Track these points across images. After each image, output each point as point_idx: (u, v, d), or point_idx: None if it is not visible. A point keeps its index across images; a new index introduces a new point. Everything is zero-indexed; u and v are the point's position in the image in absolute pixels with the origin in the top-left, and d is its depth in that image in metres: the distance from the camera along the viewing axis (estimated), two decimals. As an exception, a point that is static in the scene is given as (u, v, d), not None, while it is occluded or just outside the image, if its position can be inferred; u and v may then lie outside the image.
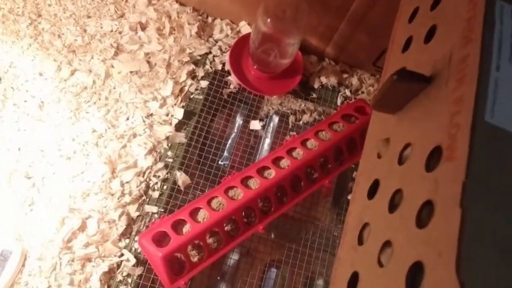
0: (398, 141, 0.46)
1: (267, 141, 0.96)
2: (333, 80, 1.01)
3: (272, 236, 0.87)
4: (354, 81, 1.02)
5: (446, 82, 0.40)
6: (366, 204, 0.47)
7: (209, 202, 0.78)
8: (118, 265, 0.78)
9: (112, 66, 0.95)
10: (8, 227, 0.80)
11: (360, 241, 0.45)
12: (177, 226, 0.76)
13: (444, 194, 0.33)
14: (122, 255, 0.79)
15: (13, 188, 0.83)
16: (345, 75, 1.03)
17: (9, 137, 0.88)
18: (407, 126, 0.46)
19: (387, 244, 0.39)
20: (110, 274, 0.78)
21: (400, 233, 0.37)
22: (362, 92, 1.02)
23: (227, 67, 0.97)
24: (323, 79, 1.01)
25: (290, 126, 0.97)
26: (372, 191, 0.47)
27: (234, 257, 0.84)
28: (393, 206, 0.41)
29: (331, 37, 0.98)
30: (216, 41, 1.01)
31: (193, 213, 0.77)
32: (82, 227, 0.80)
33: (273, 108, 0.98)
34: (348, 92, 1.01)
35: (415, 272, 0.33)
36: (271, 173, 0.82)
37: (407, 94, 0.46)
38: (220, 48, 1.00)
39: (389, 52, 0.61)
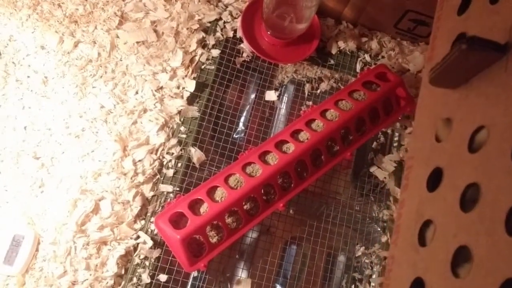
0: (466, 122, 0.40)
1: (283, 111, 0.92)
2: (351, 45, 0.95)
3: (291, 212, 0.84)
4: (374, 45, 0.96)
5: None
6: (426, 196, 0.41)
7: (226, 180, 0.74)
8: (135, 247, 0.76)
9: (117, 37, 0.90)
10: (19, 211, 0.77)
11: (422, 241, 0.40)
12: (194, 206, 0.73)
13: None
14: (138, 237, 0.76)
15: (22, 169, 0.80)
16: (364, 39, 0.97)
17: (14, 115, 0.83)
18: (477, 104, 0.40)
19: (462, 250, 0.34)
20: (127, 257, 0.76)
21: (482, 239, 0.32)
22: (383, 57, 0.96)
23: (239, 34, 0.91)
24: (341, 44, 0.95)
25: (306, 96, 0.92)
26: (433, 182, 0.41)
27: (253, 235, 0.82)
28: (466, 203, 0.35)
29: (348, -2, 0.91)
30: (227, 6, 0.95)
31: (210, 192, 0.73)
32: (96, 209, 0.77)
33: (287, 77, 0.92)
34: (367, 57, 0.95)
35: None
36: (290, 147, 0.77)
37: (476, 66, 0.40)
38: (231, 14, 0.93)
39: (439, 14, 0.53)
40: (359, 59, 0.95)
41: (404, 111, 0.86)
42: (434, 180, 0.41)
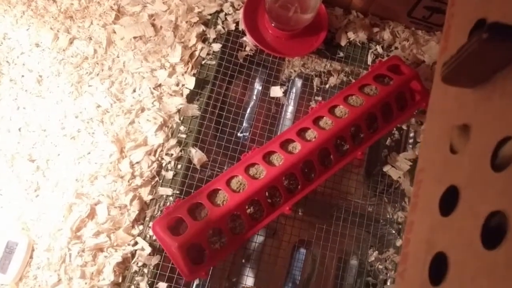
0: (488, 131, 0.33)
1: (290, 108, 0.87)
2: (362, 36, 0.89)
3: (300, 213, 0.79)
4: (386, 35, 0.90)
5: None
6: (438, 221, 0.34)
7: (228, 183, 0.69)
8: (133, 254, 0.72)
9: (114, 32, 0.86)
10: (13, 216, 0.74)
11: (435, 280, 0.32)
12: (194, 210, 0.68)
13: None
14: (136, 243, 0.72)
15: (16, 172, 0.77)
16: (375, 29, 0.91)
17: (8, 116, 0.80)
18: (501, 108, 0.33)
19: None
20: (124, 264, 0.72)
21: (510, 285, 0.25)
22: (396, 48, 0.90)
23: (241, 26, 0.86)
24: (351, 35, 0.89)
25: (315, 91, 0.87)
26: (448, 204, 0.34)
27: (259, 239, 0.77)
28: (490, 235, 0.28)
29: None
30: (228, -3, 0.90)
31: (211, 196, 0.69)
32: (91, 214, 0.73)
33: (295, 71, 0.87)
34: (379, 49, 0.89)
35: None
36: (296, 147, 0.72)
37: (500, 60, 0.33)
38: (232, 5, 0.88)
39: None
40: (370, 50, 0.89)
41: (420, 106, 0.81)
42: (450, 202, 0.34)
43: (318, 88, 0.87)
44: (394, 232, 0.81)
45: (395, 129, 0.85)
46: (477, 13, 0.39)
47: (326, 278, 0.77)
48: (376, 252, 0.79)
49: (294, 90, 0.88)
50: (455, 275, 0.31)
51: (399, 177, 0.82)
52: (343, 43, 0.89)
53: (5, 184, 0.76)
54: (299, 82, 0.88)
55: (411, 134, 0.86)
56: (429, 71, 0.88)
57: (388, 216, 0.81)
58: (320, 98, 0.86)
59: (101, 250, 0.72)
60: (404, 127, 0.86)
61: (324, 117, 0.75)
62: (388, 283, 0.77)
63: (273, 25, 0.84)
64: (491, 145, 0.31)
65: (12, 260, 0.70)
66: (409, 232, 0.38)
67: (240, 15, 0.86)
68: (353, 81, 0.86)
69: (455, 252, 0.31)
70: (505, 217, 0.27)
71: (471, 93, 0.37)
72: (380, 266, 0.78)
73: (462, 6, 0.44)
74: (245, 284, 0.74)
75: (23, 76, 0.83)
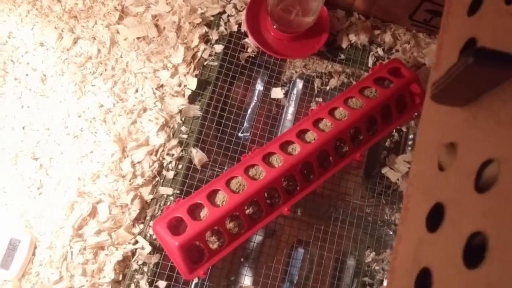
0: (473, 151, 0.33)
1: (291, 109, 0.87)
2: (363, 38, 0.89)
3: (299, 213, 0.80)
4: (387, 38, 0.90)
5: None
6: (425, 238, 0.34)
7: (228, 183, 0.70)
8: (133, 253, 0.73)
9: (118, 32, 0.86)
10: (16, 213, 0.75)
11: None
12: (194, 210, 0.69)
13: None
14: (136, 242, 0.73)
15: (20, 170, 0.78)
16: (376, 32, 0.91)
17: (13, 115, 0.81)
18: (486, 129, 0.33)
19: None
20: (125, 262, 0.73)
21: None
22: (397, 51, 0.90)
23: (244, 28, 0.87)
24: (352, 37, 0.90)
25: (315, 92, 0.87)
26: (434, 220, 0.34)
27: (258, 239, 0.78)
28: (472, 254, 0.29)
29: (360, -12, 0.86)
30: (231, -1, 0.90)
31: (211, 196, 0.70)
32: (93, 213, 0.74)
33: (296, 72, 0.88)
34: (380, 51, 0.90)
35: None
36: (296, 148, 0.73)
37: (487, 82, 0.33)
38: (235, 7, 0.89)
39: (448, 13, 0.47)
40: (371, 53, 0.89)
41: (419, 109, 0.81)
42: (436, 218, 0.34)
43: (319, 90, 0.88)
44: (391, 233, 0.81)
45: (394, 130, 0.86)
46: (468, 31, 0.39)
47: (323, 278, 0.78)
48: (373, 253, 0.80)
49: (295, 91, 0.89)
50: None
51: (397, 179, 0.82)
52: (344, 45, 0.89)
53: (8, 181, 0.77)
54: (300, 83, 0.89)
55: (410, 136, 0.87)
56: (429, 74, 0.88)
57: (385, 218, 0.82)
58: (320, 99, 0.86)
59: (102, 248, 0.73)
60: (404, 129, 0.87)
61: (324, 119, 0.76)
62: (385, 284, 0.78)
63: (275, 27, 0.85)
64: (475, 166, 0.32)
65: (15, 256, 0.71)
66: (398, 244, 0.39)
67: (242, 16, 0.87)
68: (354, 83, 0.86)
69: (439, 269, 0.32)
70: (487, 239, 0.28)
71: (459, 112, 0.38)
72: (377, 267, 0.79)
73: (454, 22, 0.44)
74: (243, 283, 0.76)
75: (27, 75, 0.84)
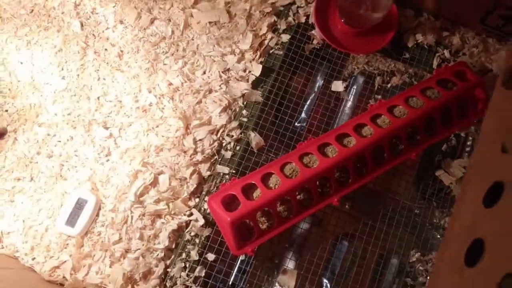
0: None
1: (349, 104, 0.89)
2: (430, 38, 0.89)
3: (347, 207, 0.82)
4: (455, 40, 0.89)
5: None
6: (480, 212, 0.37)
7: (282, 168, 0.73)
8: (187, 224, 0.78)
9: (191, 16, 0.91)
10: (85, 176, 0.82)
11: (470, 262, 0.36)
12: (248, 190, 0.73)
13: None
14: (191, 214, 0.78)
15: (92, 137, 0.84)
16: (445, 33, 0.90)
17: (89, 85, 0.88)
18: None
19: (509, 277, 0.30)
20: (178, 232, 0.78)
21: None
22: (464, 54, 0.89)
23: (312, 20, 0.89)
24: (419, 37, 0.89)
25: (375, 89, 0.88)
26: (491, 197, 0.37)
27: (305, 226, 0.80)
28: None
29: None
30: (302, -10, 0.92)
31: (265, 178, 0.73)
32: (154, 183, 0.79)
33: (358, 68, 0.89)
34: (447, 53, 0.89)
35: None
36: (351, 141, 0.75)
37: None
38: (305, -2, 0.91)
39: None
40: (437, 54, 0.89)
41: (482, 115, 0.80)
42: (494, 195, 0.37)
43: (379, 87, 0.88)
44: (439, 236, 0.81)
45: (453, 135, 0.85)
46: None
47: (365, 272, 0.79)
48: (418, 253, 0.80)
49: (355, 87, 0.90)
50: (490, 260, 0.33)
51: (451, 183, 0.82)
52: (410, 44, 0.89)
53: (80, 146, 0.84)
54: (361, 79, 0.90)
55: (469, 142, 0.86)
56: (496, 80, 0.86)
57: (434, 221, 0.82)
58: (380, 97, 0.87)
59: (160, 216, 0.78)
60: (463, 134, 0.86)
61: (383, 116, 0.77)
62: (427, 285, 0.79)
63: (342, 21, 0.86)
64: None
65: (81, 215, 0.78)
66: (454, 221, 0.41)
67: (311, 8, 0.89)
68: (415, 83, 0.86)
69: (492, 239, 0.34)
70: None
71: None
72: (421, 268, 0.80)
73: None
74: (287, 266, 0.78)
75: (106, 49, 0.90)
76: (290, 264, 0.79)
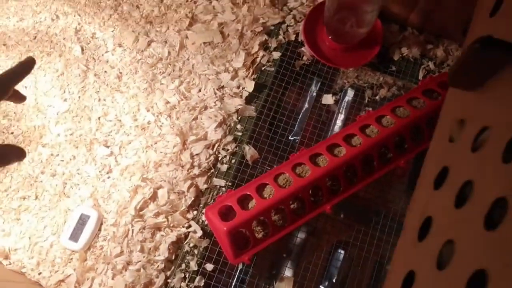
0: (475, 123, 0.40)
1: (341, 116, 0.92)
2: (415, 51, 0.93)
3: (342, 216, 0.85)
4: (439, 52, 0.93)
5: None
6: (431, 194, 0.42)
7: (275, 178, 0.76)
8: (186, 235, 0.81)
9: (187, 37, 0.96)
10: (87, 192, 0.85)
11: (421, 237, 0.41)
12: (243, 201, 0.76)
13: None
14: (190, 226, 0.81)
15: (93, 155, 0.88)
16: (429, 46, 0.94)
17: (90, 106, 0.92)
18: (487, 106, 0.40)
19: (449, 244, 0.35)
20: (178, 244, 0.80)
21: (464, 233, 0.33)
22: (448, 65, 0.93)
23: (301, 37, 0.93)
24: (404, 50, 0.93)
25: (366, 101, 0.92)
26: (440, 180, 0.42)
27: (301, 235, 0.83)
28: (461, 200, 0.36)
29: (416, 2, 0.89)
30: (291, 10, 0.97)
31: (259, 189, 0.76)
32: (153, 197, 0.82)
33: (348, 82, 0.93)
34: (431, 65, 0.93)
35: (479, 280, 0.29)
36: (342, 151, 0.78)
37: (491, 68, 0.40)
38: (294, 17, 0.95)
39: (476, 16, 0.53)
40: (422, 66, 0.93)
41: (466, 122, 0.83)
42: (441, 179, 0.42)
43: (369, 99, 0.92)
44: (432, 241, 0.83)
45: (441, 143, 0.88)
46: (488, 30, 0.45)
47: (361, 279, 0.82)
48: (412, 258, 0.82)
49: (346, 100, 0.93)
50: (435, 232, 0.39)
51: (441, 189, 0.85)
52: (396, 57, 0.93)
53: (83, 165, 0.88)
54: (351, 93, 0.93)
55: (457, 149, 0.89)
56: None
57: (427, 226, 0.84)
58: (370, 109, 0.90)
59: (159, 229, 0.81)
60: (451, 142, 0.89)
61: (371, 125, 0.80)
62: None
63: (330, 37, 0.90)
64: (473, 134, 0.40)
65: (84, 230, 0.81)
66: (412, 203, 0.45)
67: (300, 27, 0.93)
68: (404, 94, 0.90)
69: (437, 215, 0.40)
70: (473, 186, 0.35)
71: (470, 95, 0.45)
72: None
73: (479, 23, 0.50)
74: (284, 274, 0.81)
75: (105, 72, 0.95)
76: (287, 272, 0.82)
